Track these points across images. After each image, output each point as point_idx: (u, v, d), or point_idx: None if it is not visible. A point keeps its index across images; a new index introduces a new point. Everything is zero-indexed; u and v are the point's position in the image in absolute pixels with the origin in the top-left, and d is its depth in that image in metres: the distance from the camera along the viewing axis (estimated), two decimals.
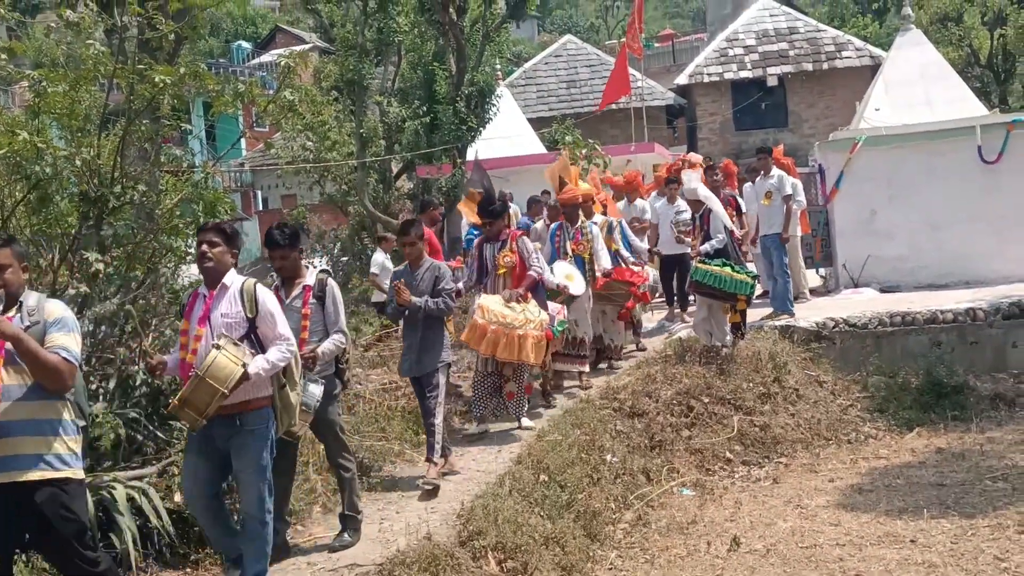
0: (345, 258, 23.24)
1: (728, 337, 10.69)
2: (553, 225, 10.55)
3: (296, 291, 6.25)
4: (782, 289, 12.08)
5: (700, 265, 10.29)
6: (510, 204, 12.83)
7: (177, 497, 5.93)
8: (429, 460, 7.28)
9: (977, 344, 11.49)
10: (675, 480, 8.73)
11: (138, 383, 6.76)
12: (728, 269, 10.14)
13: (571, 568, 6.45)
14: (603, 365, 10.99)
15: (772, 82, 26.49)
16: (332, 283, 6.34)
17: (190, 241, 6.67)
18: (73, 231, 6.41)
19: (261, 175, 34.80)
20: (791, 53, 26.70)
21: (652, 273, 11.45)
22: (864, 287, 13.81)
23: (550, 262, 9.70)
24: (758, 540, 7.45)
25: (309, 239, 26.05)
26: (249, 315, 5.31)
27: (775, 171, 12.32)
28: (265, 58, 41.05)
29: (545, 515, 6.81)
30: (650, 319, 12.84)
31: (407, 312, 7.36)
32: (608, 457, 8.40)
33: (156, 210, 6.76)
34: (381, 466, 7.65)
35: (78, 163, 6.05)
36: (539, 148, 20.80)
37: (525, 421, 8.69)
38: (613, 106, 23.21)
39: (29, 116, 5.95)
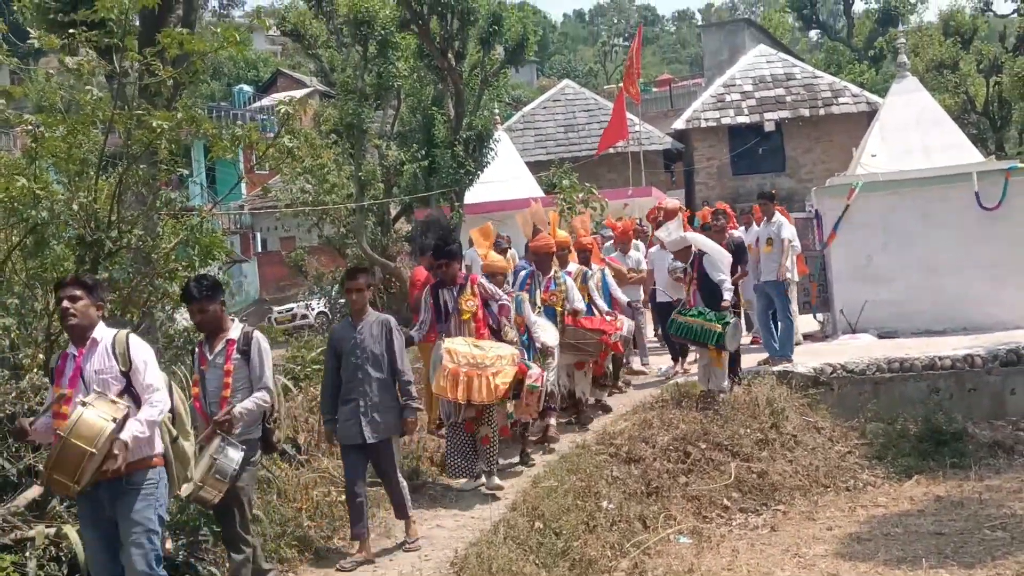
0: (343, 300, 23.28)
1: (725, 383, 10.66)
2: (523, 272, 10.06)
3: (219, 346, 5.87)
4: (784, 333, 12.05)
5: (676, 316, 10.40)
6: (509, 248, 12.84)
7: (168, 544, 5.82)
8: (405, 518, 7.05)
9: (975, 391, 11.45)
10: (672, 527, 8.65)
11: None
12: (700, 319, 10.17)
13: None
14: (566, 420, 10.22)
15: (769, 127, 26.68)
16: (259, 336, 5.94)
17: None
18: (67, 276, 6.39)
19: (260, 217, 34.89)
20: (788, 99, 26.91)
21: (627, 324, 11.03)
22: (862, 332, 13.79)
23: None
24: None
25: (307, 280, 26.15)
26: (123, 369, 4.97)
27: (777, 217, 12.29)
28: (266, 102, 41.41)
29: (540, 563, 6.74)
30: (647, 368, 12.77)
31: (353, 367, 6.77)
32: (604, 504, 8.33)
33: (153, 254, 6.74)
34: (374, 513, 7.56)
35: (75, 207, 6.07)
36: (537, 192, 20.86)
37: (494, 479, 8.10)
38: (611, 150, 23.36)
39: (27, 160, 5.96)
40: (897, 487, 10.06)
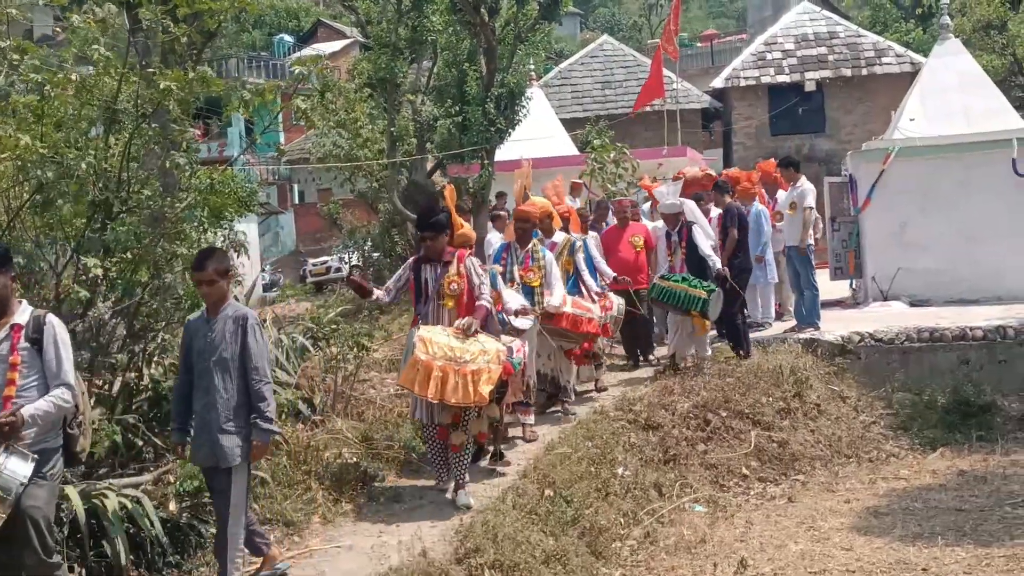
0: (376, 254, 23.34)
1: (708, 351, 10.65)
2: (498, 245, 9.05)
3: (2, 332, 4.82)
4: (809, 302, 11.91)
5: (657, 281, 10.18)
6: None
7: (172, 506, 5.91)
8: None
9: (1006, 363, 11.22)
10: (688, 496, 8.57)
11: (141, 388, 6.74)
12: (684, 284, 9.99)
13: None
14: (554, 410, 9.54)
15: (810, 87, 26.13)
16: (54, 321, 4.90)
17: (195, 248, 6.61)
18: (78, 234, 6.41)
19: (298, 169, 34.98)
20: (830, 58, 26.31)
21: (616, 302, 10.14)
22: (893, 300, 13.58)
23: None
24: (767, 563, 7.29)
25: (341, 234, 26.22)
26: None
27: (801, 182, 12.11)
28: (306, 52, 41.32)
29: (548, 531, 6.68)
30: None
31: (201, 371, 5.47)
32: (619, 471, 8.25)
33: (166, 213, 6.72)
34: (385, 476, 7.56)
35: (84, 166, 6.05)
36: (571, 150, 20.68)
37: (461, 497, 6.92)
38: (647, 108, 23.04)
39: (34, 119, 5.94)
40: (921, 459, 9.93)
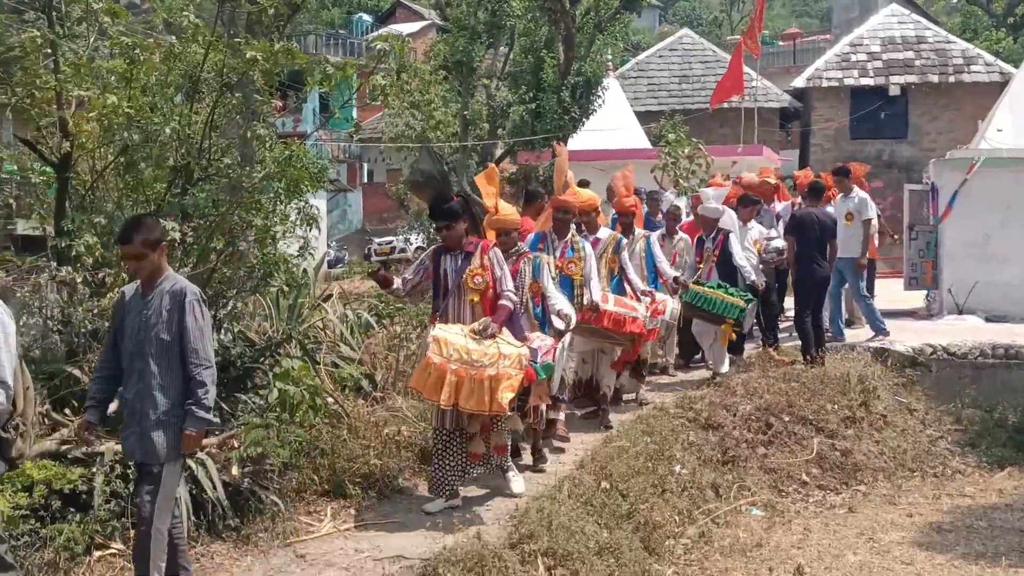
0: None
1: (724, 366, 10.43)
2: (532, 236, 8.27)
3: None
4: (867, 312, 11.79)
5: (693, 286, 9.96)
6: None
7: (234, 470, 5.98)
8: None
9: None
10: (745, 498, 8.47)
11: None
12: (721, 291, 9.86)
13: None
14: (590, 410, 9.07)
15: (894, 91, 25.52)
16: None
17: (272, 218, 6.68)
18: (158, 198, 6.51)
19: (369, 148, 35.23)
20: (917, 63, 25.68)
21: (670, 305, 9.56)
22: (968, 314, 13.26)
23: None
24: (824, 572, 7.18)
25: (408, 216, 26.37)
26: None
27: (856, 192, 11.83)
28: (384, 31, 41.54)
29: (602, 524, 6.64)
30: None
31: (132, 353, 4.85)
32: (677, 468, 8.17)
33: (244, 183, 6.78)
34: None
35: (168, 131, 6.14)
36: (644, 143, 20.50)
37: (514, 482, 6.68)
38: (725, 105, 22.73)
39: (122, 83, 6.04)
40: (987, 477, 9.70)
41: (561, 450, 8.07)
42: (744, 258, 10.36)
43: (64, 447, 5.72)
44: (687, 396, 9.62)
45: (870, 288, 12.37)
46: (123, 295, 4.98)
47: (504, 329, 6.41)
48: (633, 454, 7.81)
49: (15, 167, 6.96)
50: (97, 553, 5.44)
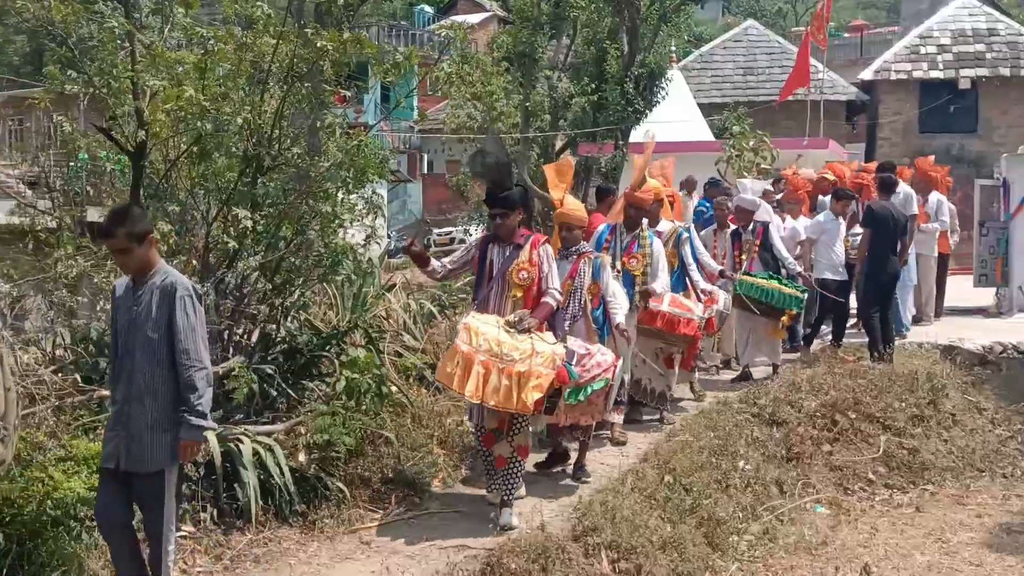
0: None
1: (780, 358, 10.35)
2: (602, 227, 8.10)
3: None
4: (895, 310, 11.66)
5: (746, 277, 9.80)
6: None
7: (301, 456, 6.05)
8: None
9: None
10: (810, 496, 8.37)
11: (277, 340, 6.93)
12: (775, 282, 9.76)
13: None
14: (649, 417, 8.85)
15: (964, 84, 24.98)
16: None
17: (340, 207, 6.75)
18: (229, 187, 6.61)
19: (429, 139, 35.39)
20: (988, 56, 25.10)
21: (723, 297, 9.35)
22: None
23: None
24: (891, 571, 7.05)
25: (467, 206, 26.45)
26: None
27: (901, 188, 11.55)
28: (446, 22, 41.61)
29: (666, 518, 6.61)
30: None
31: (122, 352, 4.52)
32: (740, 464, 8.10)
33: (311, 172, 6.85)
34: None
35: (239, 121, 6.22)
36: (707, 135, 20.32)
37: (506, 516, 6.09)
38: (790, 97, 22.44)
39: (196, 73, 6.13)
40: None
41: (623, 442, 8.01)
42: (786, 250, 10.27)
43: None
44: (751, 392, 9.53)
45: (941, 284, 12.18)
46: (115, 290, 4.65)
47: (544, 327, 6.15)
48: (696, 448, 7.76)
49: (87, 156, 7.11)
50: None
